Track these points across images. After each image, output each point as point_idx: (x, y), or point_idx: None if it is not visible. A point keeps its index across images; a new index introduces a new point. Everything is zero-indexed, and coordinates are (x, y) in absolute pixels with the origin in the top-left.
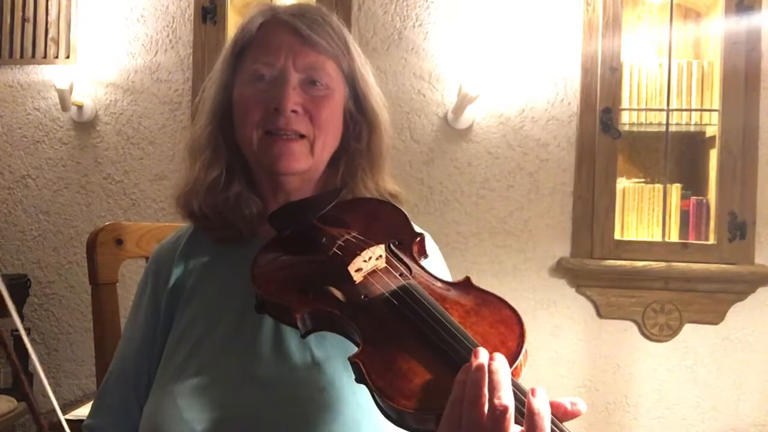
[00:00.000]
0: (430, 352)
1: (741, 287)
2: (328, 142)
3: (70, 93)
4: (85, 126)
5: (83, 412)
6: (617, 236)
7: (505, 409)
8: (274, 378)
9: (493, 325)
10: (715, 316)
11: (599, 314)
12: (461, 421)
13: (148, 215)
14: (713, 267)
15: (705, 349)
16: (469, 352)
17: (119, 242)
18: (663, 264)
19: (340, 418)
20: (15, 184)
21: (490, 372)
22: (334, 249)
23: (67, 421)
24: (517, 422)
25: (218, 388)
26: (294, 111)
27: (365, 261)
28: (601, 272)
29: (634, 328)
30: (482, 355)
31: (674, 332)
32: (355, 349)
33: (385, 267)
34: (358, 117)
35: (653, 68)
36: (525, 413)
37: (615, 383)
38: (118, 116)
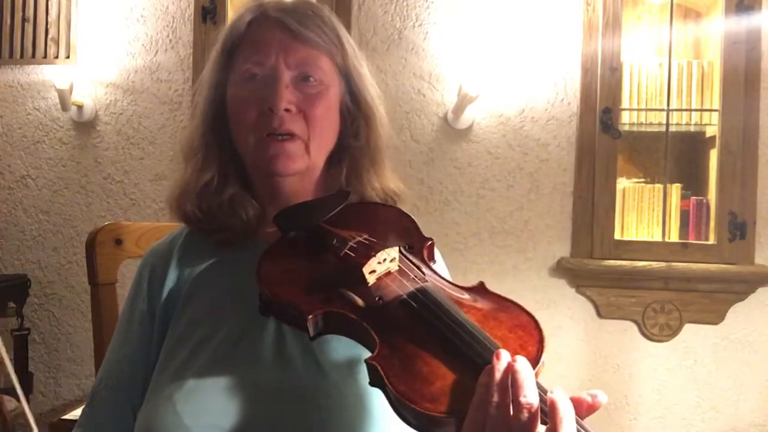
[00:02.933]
0: (450, 355)
1: (741, 287)
2: (324, 141)
3: (70, 93)
4: (85, 126)
5: None
6: (617, 236)
7: (530, 407)
8: (278, 385)
9: (511, 329)
10: (715, 316)
11: (599, 314)
12: (485, 423)
13: (148, 215)
14: (713, 267)
15: (705, 349)
16: (490, 354)
17: (119, 242)
18: (663, 264)
19: (345, 424)
20: (15, 184)
21: (513, 372)
22: (346, 250)
23: (67, 420)
24: (541, 422)
25: (220, 394)
26: (287, 110)
27: (379, 263)
28: (601, 272)
29: (634, 328)
30: (504, 357)
31: (674, 332)
32: (368, 353)
33: (399, 269)
34: (355, 112)
35: (653, 68)
36: (548, 411)
37: (615, 383)
38: (118, 116)
